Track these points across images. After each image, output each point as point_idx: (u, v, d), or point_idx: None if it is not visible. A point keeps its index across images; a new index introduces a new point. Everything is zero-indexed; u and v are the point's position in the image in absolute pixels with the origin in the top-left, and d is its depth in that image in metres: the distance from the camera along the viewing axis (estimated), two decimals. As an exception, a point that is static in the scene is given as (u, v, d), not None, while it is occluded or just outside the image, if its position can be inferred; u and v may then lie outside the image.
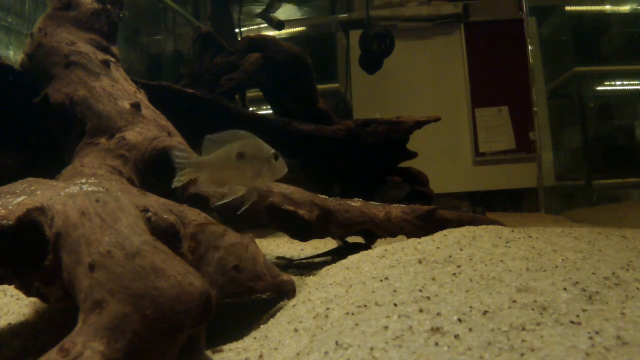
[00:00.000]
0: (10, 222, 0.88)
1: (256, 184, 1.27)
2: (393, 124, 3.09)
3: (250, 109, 4.85)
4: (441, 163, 5.02)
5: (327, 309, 0.97)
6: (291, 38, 5.45)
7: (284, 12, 5.56)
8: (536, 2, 5.47)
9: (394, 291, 0.96)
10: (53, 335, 1.12)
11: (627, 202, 5.32)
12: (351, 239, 1.97)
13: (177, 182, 1.27)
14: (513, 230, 1.47)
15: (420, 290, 0.94)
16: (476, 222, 1.80)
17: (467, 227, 1.56)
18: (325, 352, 0.75)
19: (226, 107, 2.84)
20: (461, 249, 1.24)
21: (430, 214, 1.75)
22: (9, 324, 1.20)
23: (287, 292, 1.19)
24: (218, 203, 1.43)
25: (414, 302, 0.88)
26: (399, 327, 0.77)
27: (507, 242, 1.28)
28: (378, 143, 3.07)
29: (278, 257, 2.05)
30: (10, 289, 1.39)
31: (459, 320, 0.77)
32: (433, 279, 1.01)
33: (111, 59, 1.71)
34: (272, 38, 3.26)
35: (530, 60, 5.13)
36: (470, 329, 0.74)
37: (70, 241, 0.80)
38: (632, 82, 5.78)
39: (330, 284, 1.16)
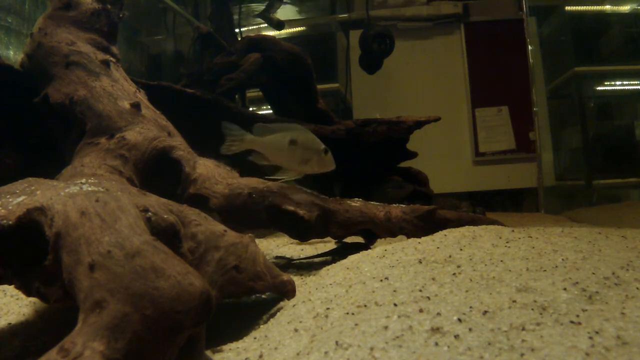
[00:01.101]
0: (10, 222, 0.88)
1: (302, 170, 1.51)
2: (393, 124, 3.09)
3: (250, 109, 4.85)
4: (441, 163, 5.02)
5: (327, 309, 0.97)
6: (291, 38, 5.45)
7: (284, 12, 5.56)
8: (536, 2, 5.47)
9: (394, 291, 0.96)
10: (53, 335, 1.12)
11: (627, 202, 5.31)
12: (351, 239, 1.97)
13: (225, 150, 1.57)
14: (513, 230, 1.47)
15: (420, 290, 0.94)
16: (476, 222, 1.80)
17: (467, 227, 1.56)
18: (326, 352, 0.75)
19: (226, 107, 2.84)
20: (461, 249, 1.24)
21: (430, 214, 1.75)
22: (9, 324, 1.20)
23: (287, 292, 1.19)
24: (270, 176, 1.61)
25: (414, 302, 0.88)
26: (399, 327, 0.77)
27: (507, 242, 1.28)
28: (378, 143, 3.07)
29: (278, 257, 2.05)
30: (10, 289, 1.39)
31: (459, 320, 0.77)
32: (433, 279, 1.01)
33: (111, 59, 1.71)
34: (272, 38, 3.26)
35: (530, 60, 5.13)
36: (470, 329, 0.74)
37: (70, 241, 0.80)
38: (632, 82, 5.79)
39: (330, 284, 1.16)
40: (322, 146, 1.49)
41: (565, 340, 0.69)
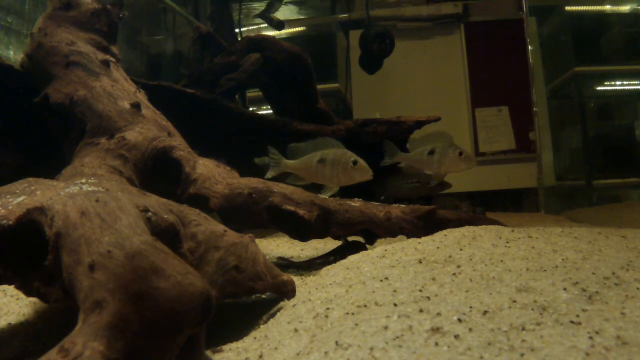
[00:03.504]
0: (10, 222, 0.88)
1: (334, 183, 1.63)
2: (393, 123, 3.09)
3: (250, 109, 4.85)
4: (441, 163, 5.01)
5: (327, 309, 0.97)
6: (291, 38, 5.45)
7: (284, 12, 5.56)
8: (536, 2, 5.47)
9: (394, 291, 0.96)
10: (53, 335, 1.12)
11: (627, 202, 5.31)
12: (351, 239, 1.97)
13: (269, 175, 1.73)
14: (513, 230, 1.47)
15: (420, 290, 0.94)
16: (476, 222, 1.80)
17: (467, 227, 1.56)
18: (325, 352, 0.75)
19: (226, 107, 2.84)
20: (461, 249, 1.24)
21: (430, 214, 1.75)
22: (9, 324, 1.20)
23: (287, 292, 1.19)
24: (324, 194, 1.74)
25: (414, 302, 0.88)
26: (399, 327, 0.77)
27: (507, 242, 1.28)
28: (378, 143, 3.07)
29: (278, 257, 2.05)
30: (10, 289, 1.39)
31: (459, 320, 0.77)
32: (433, 279, 1.01)
33: (111, 59, 1.71)
34: (272, 38, 3.26)
35: (530, 60, 5.13)
36: (470, 329, 0.74)
37: (70, 241, 0.80)
38: (632, 82, 5.78)
39: (330, 284, 1.16)
40: (352, 158, 1.59)
41: (565, 340, 0.69)
